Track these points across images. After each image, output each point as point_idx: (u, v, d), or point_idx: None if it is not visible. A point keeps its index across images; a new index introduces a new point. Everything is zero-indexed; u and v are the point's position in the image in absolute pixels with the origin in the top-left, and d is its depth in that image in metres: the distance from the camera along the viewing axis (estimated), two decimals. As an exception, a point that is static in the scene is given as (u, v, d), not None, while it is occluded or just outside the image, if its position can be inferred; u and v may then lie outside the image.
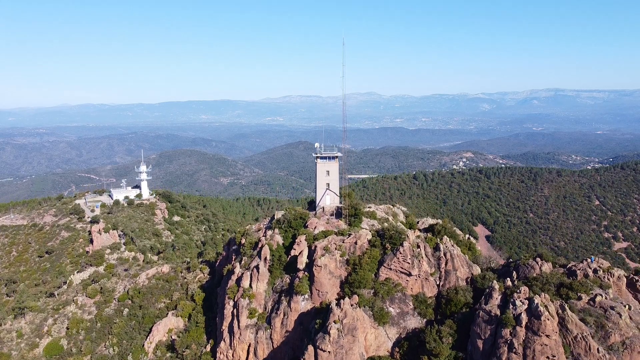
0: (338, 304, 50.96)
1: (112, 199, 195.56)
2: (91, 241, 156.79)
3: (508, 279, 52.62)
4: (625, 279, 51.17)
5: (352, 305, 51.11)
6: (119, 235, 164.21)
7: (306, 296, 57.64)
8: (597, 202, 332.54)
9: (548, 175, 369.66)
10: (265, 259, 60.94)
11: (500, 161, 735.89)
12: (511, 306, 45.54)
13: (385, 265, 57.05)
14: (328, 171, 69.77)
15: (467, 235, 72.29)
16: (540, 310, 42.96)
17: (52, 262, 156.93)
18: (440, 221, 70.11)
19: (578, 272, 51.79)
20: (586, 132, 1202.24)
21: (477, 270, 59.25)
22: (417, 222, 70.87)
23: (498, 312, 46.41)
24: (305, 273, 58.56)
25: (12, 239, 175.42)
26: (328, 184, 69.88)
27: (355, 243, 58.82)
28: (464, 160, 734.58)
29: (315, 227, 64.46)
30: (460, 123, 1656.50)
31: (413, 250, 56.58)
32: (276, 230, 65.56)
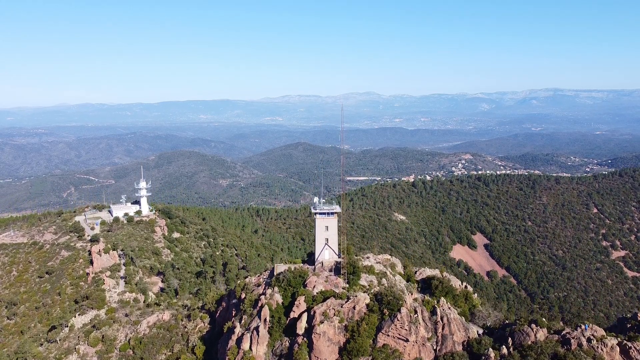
0: (336, 375, 52.07)
1: (111, 215, 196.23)
2: (91, 262, 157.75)
3: (504, 346, 53.70)
4: (618, 348, 52.13)
5: (350, 375, 52.31)
6: (119, 256, 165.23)
7: (305, 363, 58.72)
8: (595, 210, 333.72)
9: (547, 182, 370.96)
10: (265, 320, 61.86)
11: (499, 163, 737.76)
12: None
13: (383, 331, 58.01)
14: (327, 226, 70.43)
15: (464, 284, 73.18)
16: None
17: (52, 284, 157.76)
18: (437, 272, 71.05)
19: (572, 340, 52.76)
20: (585, 133, 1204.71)
21: (473, 333, 60.24)
22: (415, 273, 71.79)
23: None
24: (305, 339, 59.51)
25: (13, 257, 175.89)
26: (327, 239, 70.54)
27: (354, 308, 59.77)
28: (463, 162, 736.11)
29: (314, 287, 65.36)
30: (459, 123, 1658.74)
31: (410, 316, 57.60)
32: (276, 289, 66.43)
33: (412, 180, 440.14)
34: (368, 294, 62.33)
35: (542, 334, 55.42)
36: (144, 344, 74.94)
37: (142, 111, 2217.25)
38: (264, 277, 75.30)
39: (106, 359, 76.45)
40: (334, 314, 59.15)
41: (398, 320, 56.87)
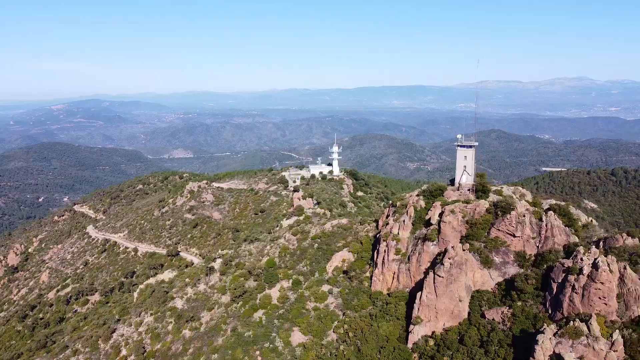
0: (453, 247, 72.39)
1: (309, 172, 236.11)
2: (292, 205, 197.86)
3: (593, 246, 66.57)
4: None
5: (463, 249, 72.27)
6: (314, 204, 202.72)
7: (435, 242, 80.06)
8: None
9: None
10: (410, 215, 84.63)
11: None
12: (580, 261, 61.02)
13: (495, 226, 75.73)
14: (465, 156, 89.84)
15: (591, 219, 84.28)
16: (599, 264, 58.06)
17: (263, 219, 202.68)
18: (562, 203, 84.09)
19: (656, 246, 63.00)
20: None
21: (574, 239, 73.17)
22: (542, 203, 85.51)
23: (570, 264, 62.06)
24: (436, 226, 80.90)
25: (236, 198, 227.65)
26: (465, 166, 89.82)
27: (475, 209, 78.44)
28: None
29: (449, 197, 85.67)
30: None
31: (519, 218, 73.90)
32: (421, 197, 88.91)
33: (612, 169, 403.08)
34: (488, 202, 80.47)
35: (631, 241, 66.73)
36: (327, 235, 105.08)
37: (340, 96, 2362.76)
38: (415, 194, 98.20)
39: (302, 242, 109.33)
40: (459, 211, 78.93)
41: (508, 219, 73.90)
